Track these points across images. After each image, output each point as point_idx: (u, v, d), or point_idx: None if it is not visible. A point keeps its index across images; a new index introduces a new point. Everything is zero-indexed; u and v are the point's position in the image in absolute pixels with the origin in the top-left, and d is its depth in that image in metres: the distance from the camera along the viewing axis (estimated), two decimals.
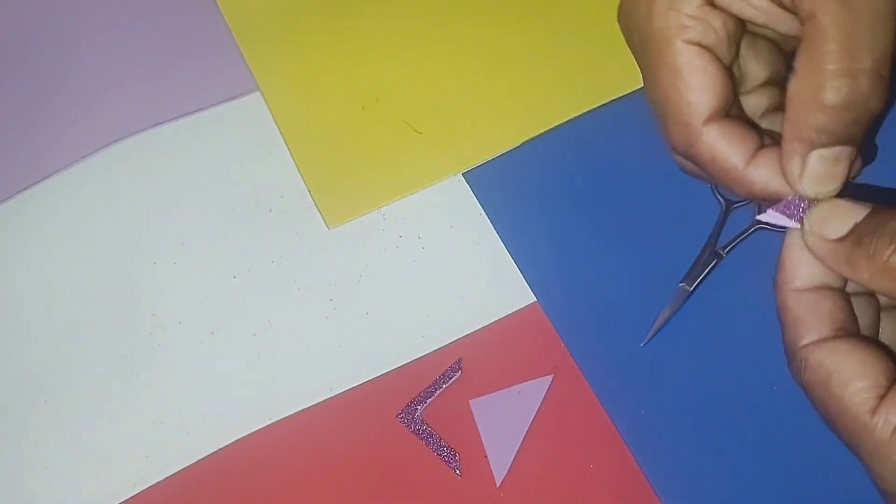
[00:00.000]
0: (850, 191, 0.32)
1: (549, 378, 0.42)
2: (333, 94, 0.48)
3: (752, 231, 0.42)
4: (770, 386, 0.40)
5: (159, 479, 0.41)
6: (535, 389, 0.41)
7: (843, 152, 0.31)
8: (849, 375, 0.30)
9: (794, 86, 0.31)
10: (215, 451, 0.42)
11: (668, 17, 0.33)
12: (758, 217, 0.33)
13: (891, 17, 0.30)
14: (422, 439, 0.41)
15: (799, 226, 0.32)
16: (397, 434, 0.41)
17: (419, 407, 0.41)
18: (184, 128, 0.48)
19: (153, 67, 0.50)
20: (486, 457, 0.41)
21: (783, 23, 0.34)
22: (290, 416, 0.42)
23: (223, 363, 0.43)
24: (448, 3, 0.50)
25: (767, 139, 0.34)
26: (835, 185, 0.32)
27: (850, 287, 0.33)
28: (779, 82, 0.37)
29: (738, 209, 0.42)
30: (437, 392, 0.42)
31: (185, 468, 0.42)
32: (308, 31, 0.50)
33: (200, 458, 0.42)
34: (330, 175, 0.47)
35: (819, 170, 0.31)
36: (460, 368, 0.42)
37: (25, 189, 0.48)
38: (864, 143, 0.32)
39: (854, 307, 0.32)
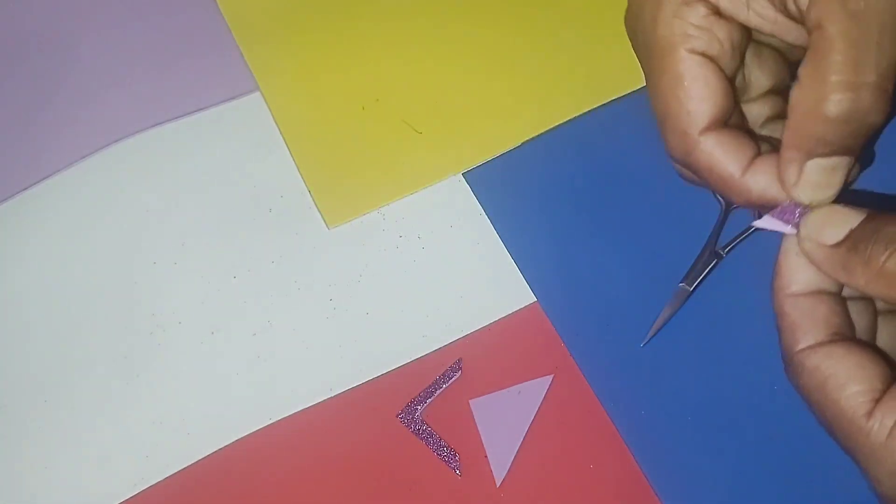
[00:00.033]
0: (845, 196, 0.32)
1: (549, 378, 0.42)
2: (333, 94, 0.48)
3: (752, 231, 0.42)
4: (770, 386, 0.40)
5: (159, 479, 0.41)
6: (535, 389, 0.41)
7: (841, 162, 0.31)
8: (844, 379, 0.30)
9: (797, 94, 0.31)
10: (215, 451, 0.42)
11: (673, 24, 0.33)
12: (754, 223, 0.33)
13: None
14: (422, 439, 0.41)
15: (795, 231, 0.32)
16: (397, 434, 0.41)
17: (419, 407, 0.41)
18: (184, 128, 0.49)
19: (153, 67, 0.50)
20: (486, 457, 0.41)
21: (790, 32, 0.34)
22: (290, 416, 0.42)
23: (223, 363, 0.43)
24: (448, 3, 0.50)
25: (766, 147, 0.34)
26: (831, 192, 0.32)
27: (846, 291, 0.33)
28: (782, 91, 0.37)
29: (738, 209, 0.42)
30: (437, 392, 0.42)
31: (185, 468, 0.42)
32: (308, 31, 0.50)
33: (200, 458, 0.42)
34: (330, 175, 0.47)
35: (816, 178, 0.31)
36: (460, 368, 0.42)
37: (25, 189, 0.48)
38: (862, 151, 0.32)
39: (851, 312, 0.32)
